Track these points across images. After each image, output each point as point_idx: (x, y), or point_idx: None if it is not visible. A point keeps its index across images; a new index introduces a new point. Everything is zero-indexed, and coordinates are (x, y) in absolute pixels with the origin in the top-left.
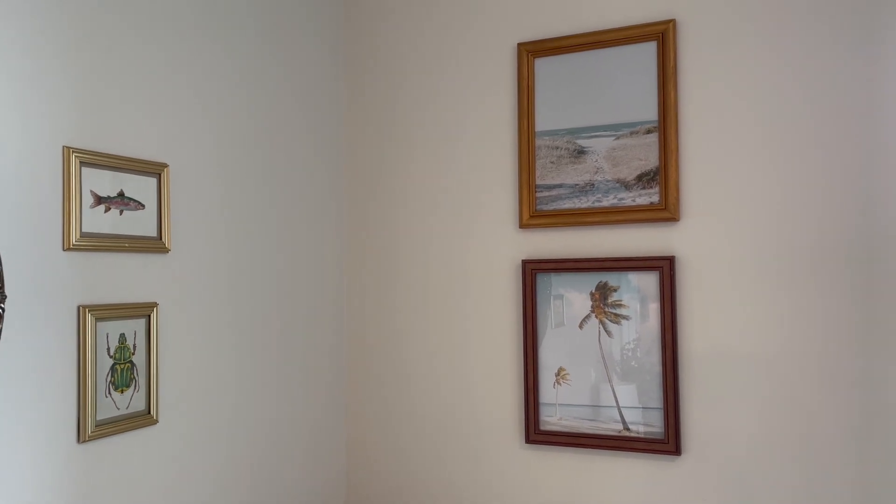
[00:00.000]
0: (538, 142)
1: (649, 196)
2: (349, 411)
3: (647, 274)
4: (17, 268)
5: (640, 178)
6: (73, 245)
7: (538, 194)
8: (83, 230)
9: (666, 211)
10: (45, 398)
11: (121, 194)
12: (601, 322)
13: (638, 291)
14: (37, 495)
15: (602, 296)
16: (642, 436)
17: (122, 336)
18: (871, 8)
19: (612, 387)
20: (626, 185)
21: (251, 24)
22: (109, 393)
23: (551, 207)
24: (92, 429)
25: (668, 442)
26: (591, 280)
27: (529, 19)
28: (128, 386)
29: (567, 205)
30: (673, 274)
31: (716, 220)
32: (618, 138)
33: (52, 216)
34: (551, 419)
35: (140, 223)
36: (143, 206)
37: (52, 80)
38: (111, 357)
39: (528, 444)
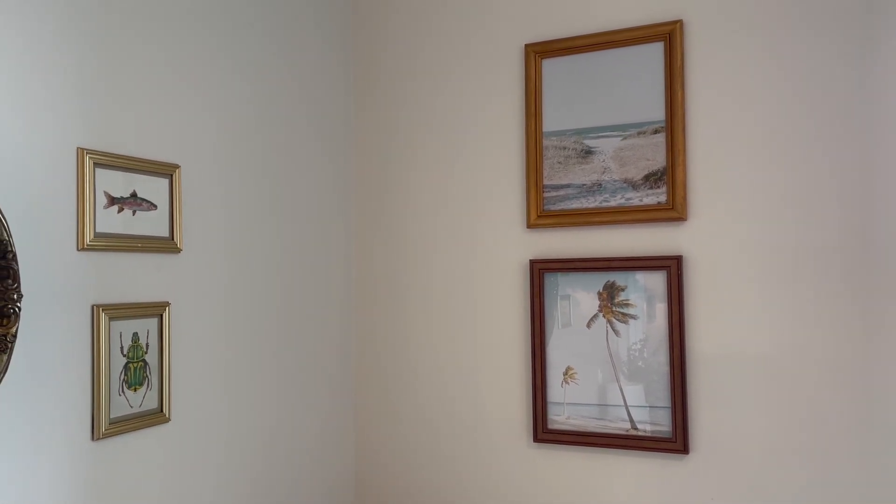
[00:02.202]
0: (546, 142)
1: (657, 196)
2: (358, 410)
3: (654, 273)
4: (33, 267)
5: (647, 177)
6: (87, 245)
7: (546, 194)
8: (97, 230)
9: (673, 211)
10: (59, 396)
11: (133, 195)
12: (609, 321)
13: (645, 291)
14: (51, 492)
15: (609, 295)
16: (650, 435)
17: (136, 335)
18: (873, 11)
19: (619, 386)
20: (634, 185)
21: (261, 27)
22: (123, 391)
23: (559, 207)
24: (106, 427)
25: (675, 441)
26: (599, 280)
27: (537, 20)
28: (141, 384)
29: (574, 205)
30: (680, 273)
31: (723, 220)
32: (625, 138)
33: (67, 216)
34: (559, 418)
35: (152, 223)
36: (155, 206)
37: (66, 82)
38: (124, 356)
39: (536, 443)
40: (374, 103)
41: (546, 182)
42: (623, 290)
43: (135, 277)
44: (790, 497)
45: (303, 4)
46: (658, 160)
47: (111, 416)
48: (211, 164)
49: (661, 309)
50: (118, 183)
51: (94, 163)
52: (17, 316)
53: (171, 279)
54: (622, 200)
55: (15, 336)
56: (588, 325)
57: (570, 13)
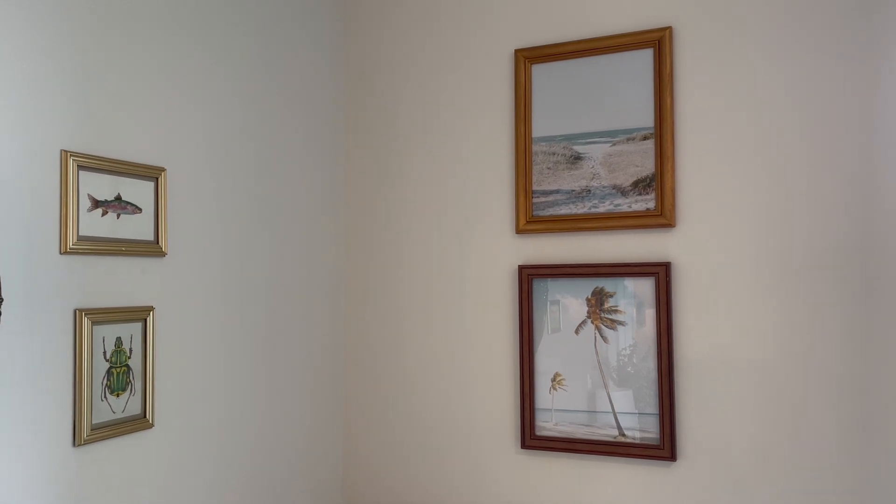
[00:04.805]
0: (535, 147)
1: (645, 202)
2: (346, 416)
3: (642, 280)
4: (15, 271)
5: (636, 184)
6: (71, 248)
7: (535, 200)
8: (80, 234)
9: (662, 217)
10: (41, 401)
11: (118, 198)
12: (597, 328)
13: (634, 297)
14: (32, 499)
15: (598, 301)
16: (638, 441)
17: (119, 340)
18: (864, 16)
19: (607, 392)
20: (623, 191)
21: (250, 29)
22: (105, 396)
23: (548, 213)
24: (88, 432)
25: (663, 448)
26: (588, 286)
27: (527, 26)
28: (124, 389)
29: (563, 210)
30: (669, 280)
31: (711, 227)
32: (614, 144)
33: (50, 219)
34: (547, 424)
35: (137, 227)
36: (140, 209)
37: (51, 84)
38: (107, 361)
39: (523, 450)
40: (365, 108)
41: (535, 188)
42: (611, 296)
43: (119, 281)
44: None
45: (294, 7)
46: (647, 167)
47: (93, 422)
48: (197, 167)
49: (649, 315)
50: (103, 186)
51: (78, 165)
52: None
53: (156, 283)
54: (611, 206)
55: None
56: (577, 332)
57: (561, 19)
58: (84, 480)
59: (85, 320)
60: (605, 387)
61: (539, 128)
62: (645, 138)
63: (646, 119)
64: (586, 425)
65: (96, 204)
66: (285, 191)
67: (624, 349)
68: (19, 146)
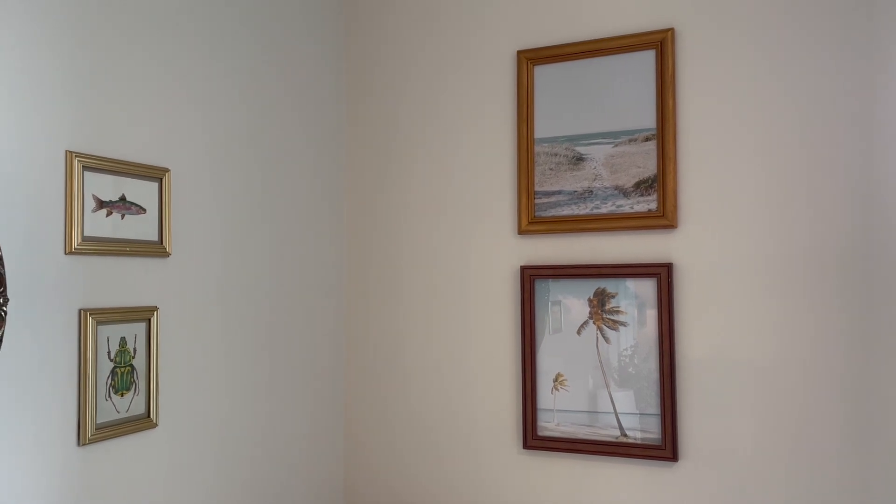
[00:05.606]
0: (537, 148)
1: (647, 203)
2: (348, 416)
3: (644, 280)
4: (20, 271)
5: (638, 185)
6: (75, 249)
7: (537, 201)
8: (85, 234)
9: (664, 218)
10: (45, 401)
11: (122, 198)
12: (599, 328)
13: (636, 298)
14: (36, 498)
15: (600, 302)
16: (639, 442)
17: (123, 339)
18: (866, 18)
19: (609, 393)
20: (625, 192)
21: (252, 30)
22: (110, 396)
23: (550, 214)
24: (92, 432)
25: (665, 448)
26: (589, 286)
27: (529, 27)
28: (128, 389)
29: (565, 211)
30: (670, 281)
31: (713, 228)
32: (616, 146)
33: (55, 220)
34: (549, 425)
35: (141, 227)
36: (144, 210)
37: (55, 85)
38: (112, 360)
39: (525, 450)
40: (367, 109)
41: (537, 188)
42: (613, 296)
43: (123, 282)
44: None
45: (296, 8)
46: (649, 168)
47: (98, 422)
48: (201, 167)
49: (651, 316)
50: (107, 186)
51: (83, 166)
52: (3, 320)
53: (160, 284)
54: (613, 207)
55: (1, 340)
56: (578, 332)
57: (563, 20)
58: (88, 480)
59: (89, 320)
60: (607, 387)
61: (541, 129)
62: (647, 139)
63: (648, 120)
64: (588, 426)
65: (101, 204)
66: (287, 191)
67: (625, 350)
68: (24, 147)
